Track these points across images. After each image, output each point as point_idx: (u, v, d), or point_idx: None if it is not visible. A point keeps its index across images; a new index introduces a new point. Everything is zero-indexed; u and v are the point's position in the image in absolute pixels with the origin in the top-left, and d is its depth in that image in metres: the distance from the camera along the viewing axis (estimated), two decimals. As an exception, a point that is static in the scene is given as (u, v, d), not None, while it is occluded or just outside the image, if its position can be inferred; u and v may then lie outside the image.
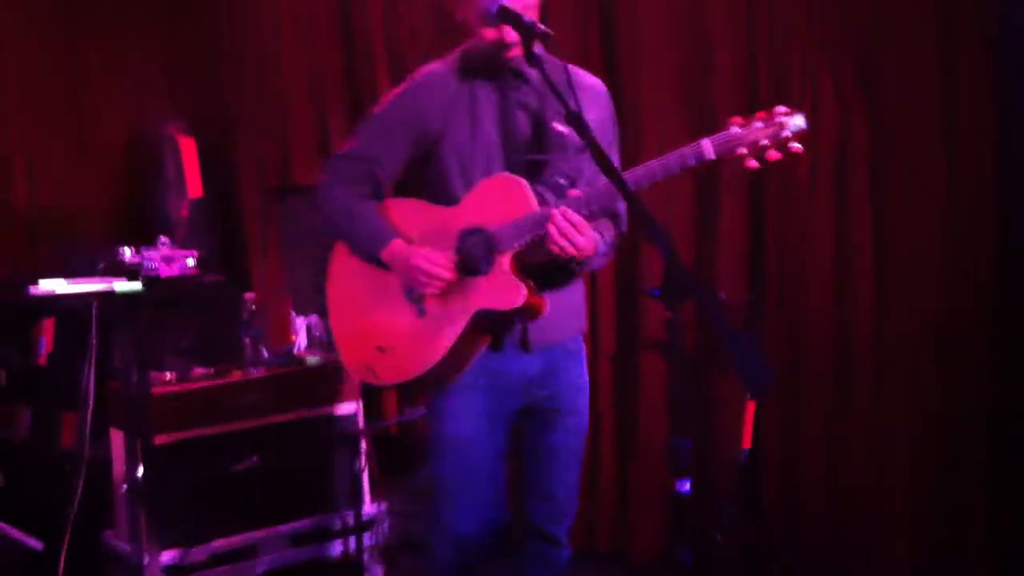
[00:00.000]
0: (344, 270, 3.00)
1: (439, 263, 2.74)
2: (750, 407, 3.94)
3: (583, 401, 3.02)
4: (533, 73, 2.77)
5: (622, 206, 2.91)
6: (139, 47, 5.64)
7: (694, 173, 4.14)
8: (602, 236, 2.78)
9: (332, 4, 5.27)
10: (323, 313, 4.10)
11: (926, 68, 3.81)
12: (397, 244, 2.82)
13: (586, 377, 3.04)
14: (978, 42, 3.72)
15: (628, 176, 2.54)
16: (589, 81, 2.95)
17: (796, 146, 2.46)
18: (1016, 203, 3.78)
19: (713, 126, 3.98)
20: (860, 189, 3.95)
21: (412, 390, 3.19)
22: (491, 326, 2.80)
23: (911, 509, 3.93)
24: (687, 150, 2.50)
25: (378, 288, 2.90)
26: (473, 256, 2.75)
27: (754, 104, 3.96)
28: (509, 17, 2.59)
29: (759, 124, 2.46)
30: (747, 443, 3.93)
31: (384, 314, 2.89)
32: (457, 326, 2.76)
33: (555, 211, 2.60)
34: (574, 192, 2.65)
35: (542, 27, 2.59)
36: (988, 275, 3.77)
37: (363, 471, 4.28)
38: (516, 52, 2.73)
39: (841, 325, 4.04)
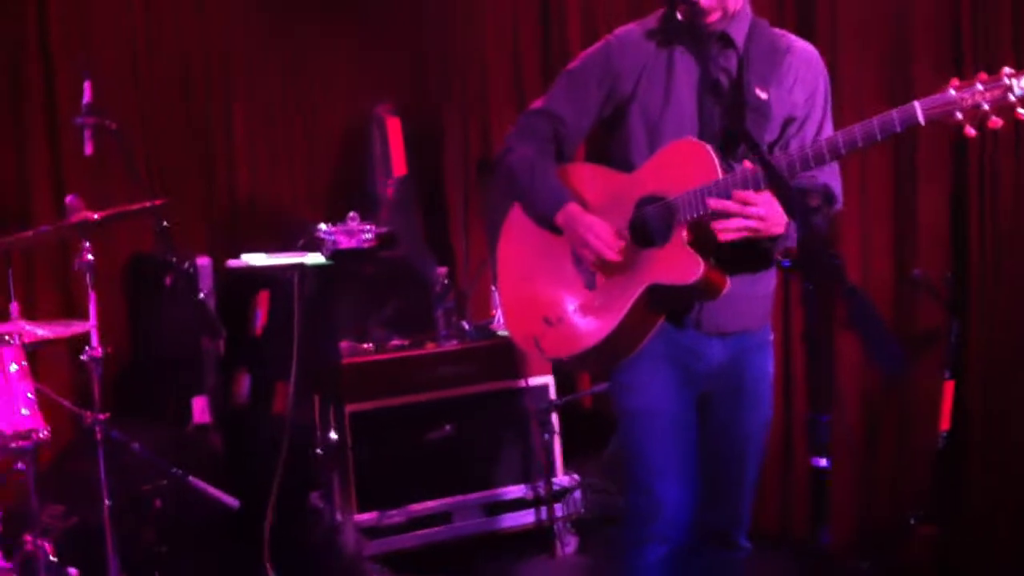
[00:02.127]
0: (516, 235, 2.95)
1: (604, 237, 2.66)
2: (948, 387, 3.78)
3: (767, 396, 2.88)
4: (739, 37, 2.68)
5: (833, 182, 2.71)
6: (352, 45, 5.86)
7: (894, 144, 4.07)
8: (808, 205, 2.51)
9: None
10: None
11: None
12: (572, 208, 2.73)
13: (772, 370, 2.89)
14: None
15: (827, 142, 2.38)
16: (799, 46, 2.76)
17: (1022, 112, 2.18)
18: None
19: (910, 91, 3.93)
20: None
21: (578, 366, 3.13)
22: (665, 303, 2.66)
23: None
24: (895, 113, 2.27)
25: (549, 255, 2.83)
26: (649, 226, 2.65)
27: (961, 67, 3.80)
28: None
29: (980, 87, 2.19)
30: (945, 424, 3.78)
31: (553, 283, 2.82)
32: (627, 301, 2.64)
33: (721, 190, 2.48)
34: (746, 165, 2.50)
35: None
36: None
37: (554, 443, 4.34)
38: (716, 16, 2.65)
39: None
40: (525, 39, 5.39)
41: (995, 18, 3.81)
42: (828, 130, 2.73)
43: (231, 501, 3.60)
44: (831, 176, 2.72)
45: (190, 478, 3.64)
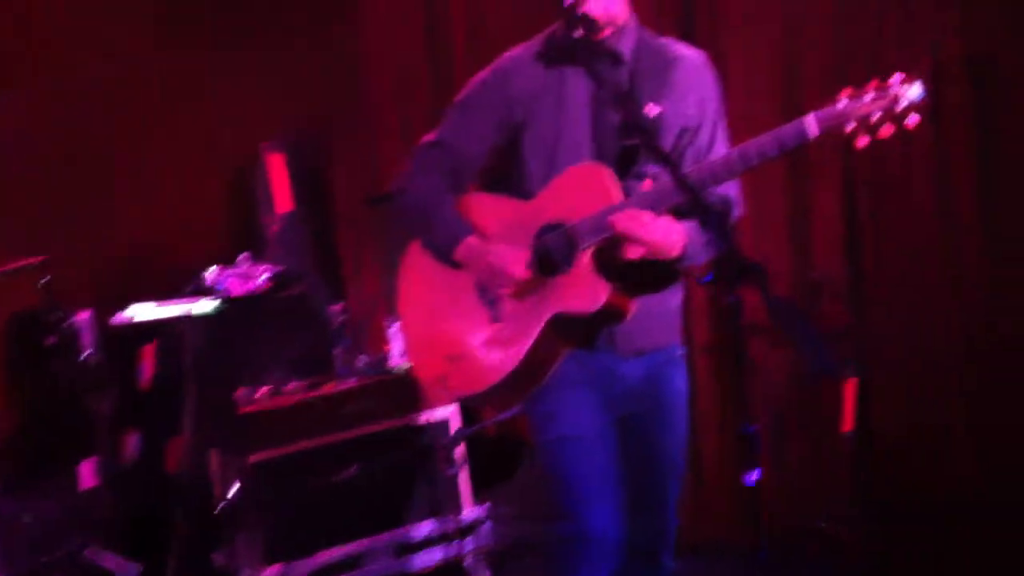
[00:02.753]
0: (415, 273, 2.89)
1: (511, 261, 2.61)
2: (850, 387, 3.79)
3: (683, 412, 2.85)
4: (627, 52, 2.65)
5: (730, 190, 2.68)
6: (243, 81, 5.75)
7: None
8: (700, 228, 2.52)
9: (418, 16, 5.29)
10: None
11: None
12: (471, 241, 2.69)
13: (686, 386, 2.86)
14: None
15: (722, 161, 2.38)
16: (688, 54, 2.74)
17: (913, 118, 2.20)
18: None
19: (801, 93, 3.97)
20: (961, 160, 3.75)
21: (488, 402, 3.05)
22: (571, 331, 2.62)
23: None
24: (787, 129, 2.28)
25: (450, 291, 2.78)
26: (552, 253, 2.61)
27: (844, 67, 3.83)
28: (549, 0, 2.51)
29: (871, 96, 2.22)
30: (848, 426, 3.79)
31: (455, 320, 2.77)
32: (533, 331, 2.60)
33: (619, 212, 2.46)
34: (644, 186, 2.52)
35: (582, 10, 2.51)
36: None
37: (461, 475, 4.26)
38: (608, 31, 2.62)
39: (949, 302, 3.85)
40: (411, 66, 5.33)
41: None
42: (721, 135, 2.72)
43: (130, 569, 3.44)
44: (730, 184, 2.68)
45: (86, 550, 3.47)
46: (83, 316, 4.51)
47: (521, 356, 2.62)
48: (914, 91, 2.21)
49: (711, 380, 4.40)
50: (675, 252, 2.51)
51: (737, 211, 2.74)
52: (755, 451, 2.13)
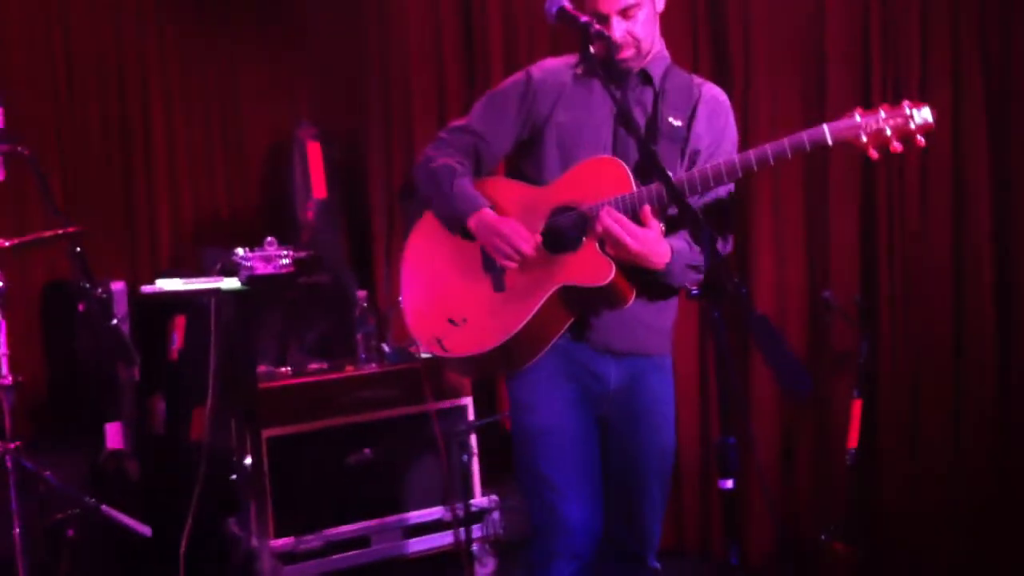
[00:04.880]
0: (423, 240, 2.98)
1: (522, 237, 2.71)
2: (856, 405, 3.86)
3: (668, 420, 2.92)
4: (657, 76, 2.80)
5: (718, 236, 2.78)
6: (283, 66, 5.88)
7: (805, 165, 4.18)
8: (691, 248, 2.69)
9: (453, 19, 5.39)
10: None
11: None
12: (487, 212, 2.78)
13: (671, 394, 2.95)
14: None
15: (742, 157, 2.52)
16: (710, 91, 2.89)
17: (921, 139, 2.40)
18: None
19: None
20: (978, 185, 3.82)
21: (478, 370, 3.12)
22: (574, 305, 2.72)
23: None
24: (804, 133, 2.47)
25: (457, 258, 2.86)
26: (562, 233, 2.72)
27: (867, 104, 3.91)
28: (567, 18, 2.62)
29: (883, 114, 2.42)
30: (853, 443, 3.86)
31: (460, 286, 2.85)
32: (538, 299, 2.69)
33: (602, 210, 2.60)
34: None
35: (597, 27, 2.62)
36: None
37: (472, 464, 4.35)
38: (629, 53, 2.74)
39: (961, 323, 3.91)
40: (450, 68, 5.43)
41: (906, 58, 3.93)
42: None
43: (143, 529, 3.56)
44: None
45: (103, 507, 3.59)
46: (117, 286, 4.66)
47: (521, 323, 2.70)
48: (924, 113, 2.40)
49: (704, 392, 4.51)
50: (656, 266, 2.63)
51: (727, 247, 2.86)
52: (730, 462, 2.21)
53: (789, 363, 2.01)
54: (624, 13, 2.71)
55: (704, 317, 4.38)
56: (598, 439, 2.85)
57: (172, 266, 5.28)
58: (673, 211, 2.70)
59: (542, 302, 2.69)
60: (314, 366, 4.29)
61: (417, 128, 5.50)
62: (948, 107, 3.80)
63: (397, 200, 5.46)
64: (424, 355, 4.35)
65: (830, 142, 2.44)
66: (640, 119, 2.80)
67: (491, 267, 2.80)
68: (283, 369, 4.22)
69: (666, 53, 2.87)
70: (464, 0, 5.35)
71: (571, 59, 2.89)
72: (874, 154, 2.42)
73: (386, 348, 4.50)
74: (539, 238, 2.74)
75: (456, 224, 2.85)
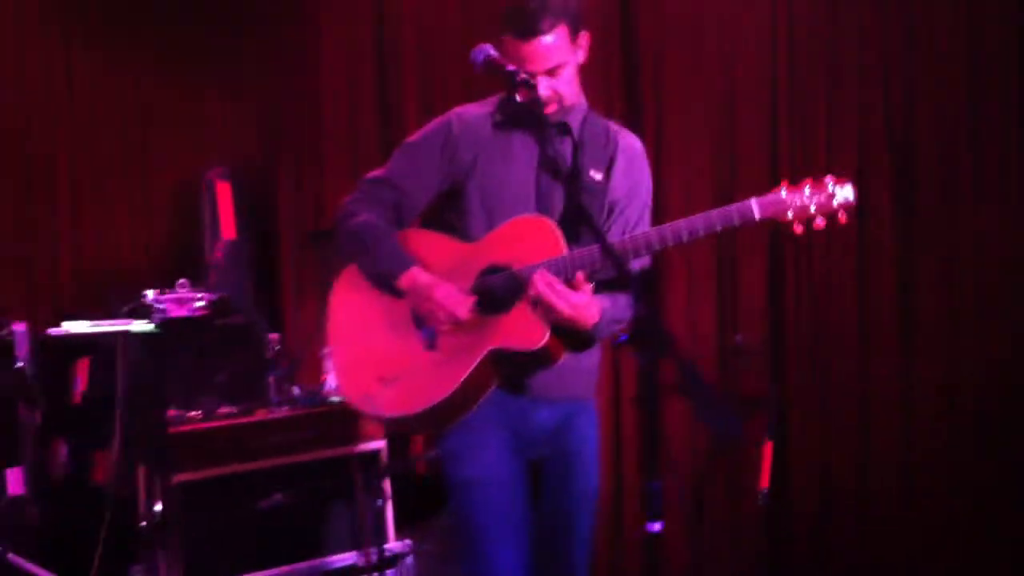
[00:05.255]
0: (351, 294, 2.92)
1: (456, 301, 2.69)
2: (768, 448, 3.93)
3: (594, 462, 2.94)
4: (575, 126, 2.81)
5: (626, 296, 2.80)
6: (194, 103, 5.80)
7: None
8: (615, 304, 2.72)
9: (368, 59, 5.39)
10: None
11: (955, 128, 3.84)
12: (416, 272, 2.75)
13: (597, 437, 2.96)
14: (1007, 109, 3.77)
15: (670, 228, 2.55)
16: (627, 140, 2.90)
17: (843, 216, 2.46)
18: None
19: (733, 182, 4.19)
20: (881, 235, 3.97)
21: (410, 427, 3.11)
22: (505, 367, 2.72)
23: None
24: (733, 209, 2.50)
25: (386, 315, 2.83)
26: (494, 294, 2.71)
27: (776, 158, 4.06)
28: (493, 66, 2.64)
29: (808, 191, 2.47)
30: (765, 483, 3.92)
31: (391, 343, 2.82)
32: (470, 362, 2.67)
33: (535, 274, 2.59)
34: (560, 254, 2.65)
35: (523, 76, 2.64)
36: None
37: (386, 509, 4.31)
38: (553, 107, 2.74)
39: (866, 366, 4.03)
40: (364, 108, 5.42)
41: (812, 130, 4.08)
42: (647, 218, 2.87)
43: (47, 576, 3.45)
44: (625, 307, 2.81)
45: (9, 555, 3.46)
46: (19, 327, 4.51)
47: (454, 386, 2.68)
48: (846, 192, 2.47)
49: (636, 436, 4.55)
50: (585, 327, 2.64)
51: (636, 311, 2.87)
52: (657, 505, 2.25)
53: (718, 407, 2.04)
54: (551, 72, 2.72)
55: (617, 363, 4.43)
56: (529, 483, 2.85)
57: (75, 308, 5.13)
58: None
59: (474, 365, 2.68)
60: (225, 410, 4.21)
61: (329, 168, 5.47)
62: (853, 164, 3.95)
63: (308, 242, 5.41)
64: (336, 399, 4.32)
65: (757, 217, 2.48)
66: (561, 171, 2.78)
67: (422, 325, 2.78)
68: (192, 413, 4.13)
69: (584, 100, 2.88)
70: (379, 40, 5.35)
71: (489, 106, 2.87)
72: (799, 229, 2.48)
73: (296, 391, 4.45)
74: (472, 299, 2.72)
75: (384, 284, 2.82)
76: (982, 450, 3.89)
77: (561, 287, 2.59)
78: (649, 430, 2.24)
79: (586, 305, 2.61)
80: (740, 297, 4.25)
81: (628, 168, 2.86)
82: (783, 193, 2.48)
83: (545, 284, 2.59)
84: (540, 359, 2.69)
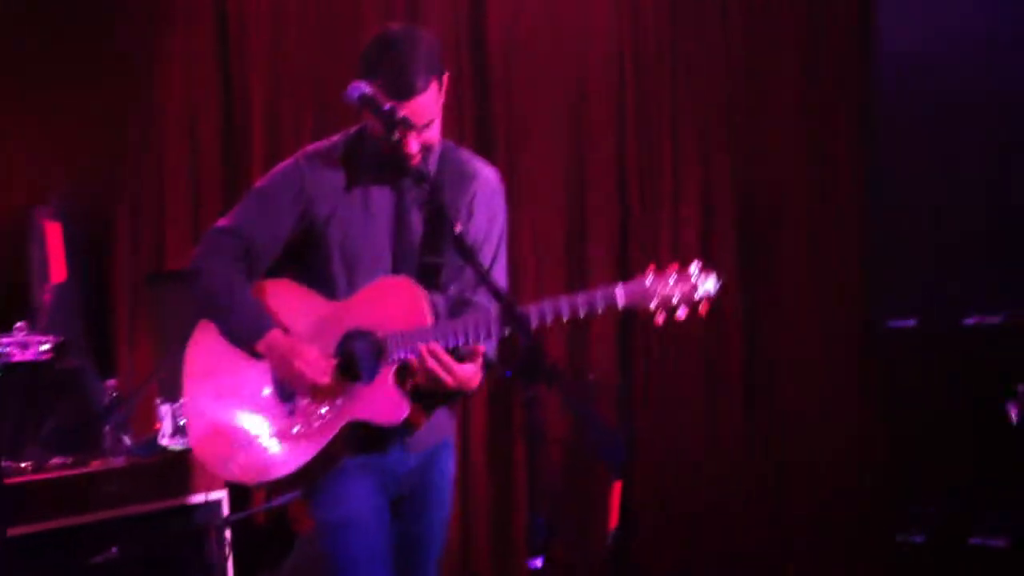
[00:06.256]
0: (206, 353, 2.83)
1: (318, 369, 2.64)
2: (616, 487, 3.98)
3: (450, 494, 2.96)
4: (432, 167, 2.76)
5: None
6: (26, 140, 5.56)
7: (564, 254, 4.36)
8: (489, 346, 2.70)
9: (213, 93, 5.28)
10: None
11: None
12: (275, 335, 2.68)
13: (454, 470, 2.97)
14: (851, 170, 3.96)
15: (535, 308, 2.53)
16: (484, 173, 2.88)
17: (704, 308, 2.48)
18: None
19: (583, 214, 4.28)
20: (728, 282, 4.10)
21: (268, 488, 3.02)
22: (364, 437, 2.67)
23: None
24: (599, 295, 2.50)
25: (244, 374, 2.76)
26: (358, 360, 2.66)
27: (626, 193, 4.17)
28: (369, 103, 2.59)
29: (672, 280, 2.48)
30: (614, 522, 3.97)
31: (248, 405, 2.76)
32: (327, 433, 2.64)
33: (422, 347, 2.56)
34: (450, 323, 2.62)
35: (402, 114, 2.58)
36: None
37: (227, 561, 4.17)
38: (417, 160, 2.65)
39: (713, 404, 4.15)
40: (206, 145, 5.31)
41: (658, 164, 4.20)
42: (502, 256, 2.87)
43: None
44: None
45: None
46: None
47: (311, 455, 2.66)
48: (708, 285, 2.50)
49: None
50: (470, 389, 2.65)
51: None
52: (538, 540, 2.25)
53: (605, 435, 2.08)
54: (426, 125, 2.68)
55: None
56: (390, 525, 2.81)
57: None
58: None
59: (332, 436, 2.64)
60: (57, 460, 4.00)
61: (168, 207, 5.34)
62: (698, 218, 4.10)
63: (144, 285, 5.24)
64: (176, 448, 4.19)
65: (620, 305, 2.49)
66: (419, 222, 2.76)
67: (281, 388, 2.72)
68: (23, 464, 3.92)
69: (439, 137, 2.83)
70: (224, 76, 5.26)
71: (339, 146, 2.80)
72: (660, 320, 2.49)
73: (127, 441, 4.28)
74: (333, 363, 2.67)
75: (242, 344, 2.73)
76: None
77: (450, 361, 2.57)
78: (534, 465, 2.22)
79: (472, 375, 2.61)
80: (591, 340, 4.31)
81: (488, 206, 2.85)
82: (648, 281, 2.49)
83: (433, 359, 2.56)
84: (401, 429, 2.67)
